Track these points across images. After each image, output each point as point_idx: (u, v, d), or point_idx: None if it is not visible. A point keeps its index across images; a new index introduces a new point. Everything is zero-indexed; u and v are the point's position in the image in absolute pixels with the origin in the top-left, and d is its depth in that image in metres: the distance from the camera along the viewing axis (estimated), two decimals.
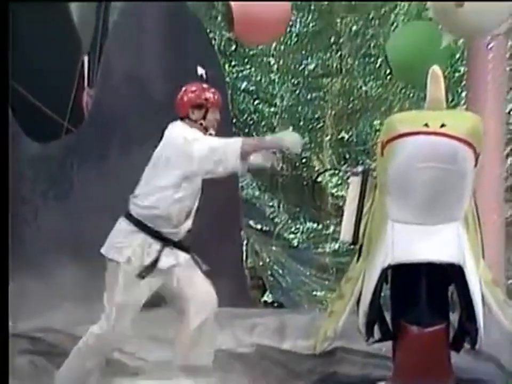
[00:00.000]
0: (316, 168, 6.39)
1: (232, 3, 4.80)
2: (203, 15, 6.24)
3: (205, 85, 3.66)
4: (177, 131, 3.54)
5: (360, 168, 3.61)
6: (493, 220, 4.90)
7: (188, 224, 3.55)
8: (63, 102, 5.74)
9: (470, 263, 3.35)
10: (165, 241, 3.46)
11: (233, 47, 6.34)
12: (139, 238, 3.44)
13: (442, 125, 3.26)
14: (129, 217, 3.50)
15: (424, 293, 3.42)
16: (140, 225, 3.46)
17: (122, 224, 3.52)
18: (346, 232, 3.61)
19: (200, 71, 3.70)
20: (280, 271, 6.13)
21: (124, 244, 3.45)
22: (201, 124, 3.59)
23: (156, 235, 3.45)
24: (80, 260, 4.53)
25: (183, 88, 3.68)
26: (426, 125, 3.27)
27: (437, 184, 3.27)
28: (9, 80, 3.85)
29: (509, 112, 5.79)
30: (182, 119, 3.62)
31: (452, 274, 3.40)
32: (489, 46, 4.87)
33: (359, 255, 3.59)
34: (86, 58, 5.91)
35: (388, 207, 3.40)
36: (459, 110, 3.55)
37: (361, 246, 3.59)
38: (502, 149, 5.18)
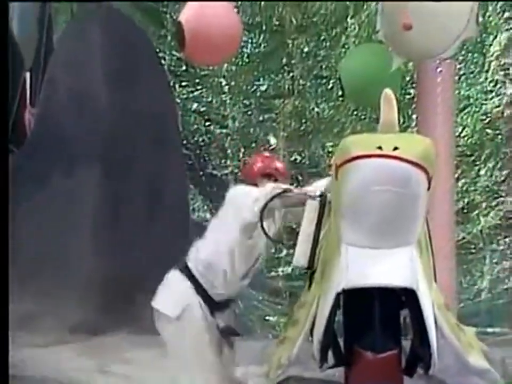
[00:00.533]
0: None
1: (183, 22, 4.78)
2: (152, 34, 6.21)
3: (274, 155, 3.84)
4: (244, 192, 3.66)
5: (318, 192, 3.61)
6: (444, 243, 4.94)
7: (244, 283, 3.62)
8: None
9: (423, 287, 3.34)
10: (214, 303, 3.53)
11: (184, 67, 6.31)
12: (194, 297, 3.49)
13: (395, 148, 3.26)
14: (186, 270, 3.54)
15: (378, 317, 3.42)
16: (194, 282, 3.50)
17: (177, 277, 3.54)
18: (301, 257, 3.57)
19: (273, 141, 3.79)
20: None
21: (180, 300, 3.50)
22: None
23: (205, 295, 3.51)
24: (22, 278, 4.42)
25: (253, 157, 3.84)
26: (379, 147, 3.27)
27: (390, 207, 3.26)
28: (9, 80, 3.79)
29: (458, 135, 5.89)
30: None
31: (405, 298, 3.41)
32: (438, 70, 4.94)
33: (311, 280, 3.58)
34: (28, 76, 5.81)
35: (342, 231, 3.38)
36: (411, 133, 3.55)
37: (313, 271, 3.57)
38: (452, 171, 5.24)
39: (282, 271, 6.11)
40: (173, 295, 3.54)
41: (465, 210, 6.02)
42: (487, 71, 5.99)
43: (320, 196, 3.55)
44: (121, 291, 5.11)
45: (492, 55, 5.98)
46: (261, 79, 6.41)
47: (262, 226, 3.52)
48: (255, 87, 6.43)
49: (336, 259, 3.39)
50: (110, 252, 5.33)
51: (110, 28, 5.55)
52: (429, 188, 3.33)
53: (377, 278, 3.29)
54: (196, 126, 6.39)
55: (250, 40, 6.33)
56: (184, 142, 6.27)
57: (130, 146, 5.59)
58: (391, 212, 3.28)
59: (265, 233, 3.53)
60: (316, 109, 6.36)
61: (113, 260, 5.34)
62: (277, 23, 6.31)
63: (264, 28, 6.33)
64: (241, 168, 3.66)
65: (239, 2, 6.24)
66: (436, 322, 3.35)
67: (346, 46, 6.19)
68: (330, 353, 3.51)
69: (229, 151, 6.41)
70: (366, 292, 3.36)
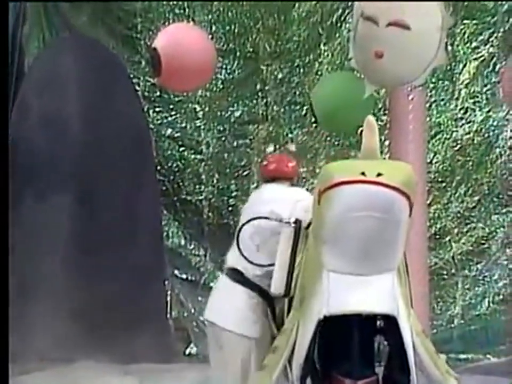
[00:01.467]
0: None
1: (159, 48, 4.84)
2: (126, 60, 6.26)
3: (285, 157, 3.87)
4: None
5: (292, 219, 3.62)
6: (417, 268, 4.99)
7: None
8: None
9: (403, 314, 3.36)
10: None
11: (158, 93, 6.35)
12: (264, 309, 3.50)
13: (379, 174, 3.26)
14: (249, 284, 3.54)
15: (356, 344, 3.42)
16: (259, 291, 3.50)
17: (242, 295, 3.53)
18: (277, 285, 3.58)
19: (292, 147, 3.87)
20: (206, 323, 6.06)
21: (253, 319, 3.49)
22: None
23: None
24: None
25: (268, 157, 3.89)
26: (363, 173, 3.27)
27: (372, 233, 3.27)
28: (9, 80, 3.78)
29: (430, 162, 5.99)
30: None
31: (383, 325, 3.43)
32: (410, 97, 5.04)
33: (289, 307, 3.57)
34: None
35: (323, 257, 3.38)
36: (394, 160, 3.60)
37: (291, 298, 3.58)
38: (424, 198, 5.32)
39: None
40: (243, 312, 3.50)
41: (437, 236, 6.10)
42: (457, 99, 6.12)
43: (295, 222, 3.57)
44: (94, 319, 5.09)
45: (461, 83, 6.11)
46: (235, 105, 6.47)
47: (238, 247, 3.55)
48: (229, 113, 6.48)
49: (316, 285, 3.39)
50: (82, 279, 5.31)
51: (84, 53, 5.59)
52: (410, 214, 3.35)
53: (359, 305, 3.31)
54: (170, 152, 6.41)
55: (224, 66, 6.40)
56: (158, 167, 6.30)
57: (104, 171, 5.60)
58: (374, 238, 3.29)
59: (242, 254, 3.54)
60: (290, 135, 6.44)
61: (85, 287, 5.32)
62: (251, 49, 6.40)
63: (238, 54, 6.41)
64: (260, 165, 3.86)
65: (213, 29, 6.33)
66: (414, 350, 3.36)
67: (319, 73, 6.29)
68: (309, 381, 3.53)
69: (203, 176, 6.44)
70: (345, 319, 3.37)
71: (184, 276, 6.23)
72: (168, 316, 5.90)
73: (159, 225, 5.93)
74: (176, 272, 6.18)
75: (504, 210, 6.08)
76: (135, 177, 5.67)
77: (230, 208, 6.44)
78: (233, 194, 6.45)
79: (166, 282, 5.86)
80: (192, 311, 6.10)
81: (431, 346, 3.52)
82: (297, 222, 3.57)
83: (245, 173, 6.48)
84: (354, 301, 3.31)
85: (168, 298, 5.95)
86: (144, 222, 5.71)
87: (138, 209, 5.74)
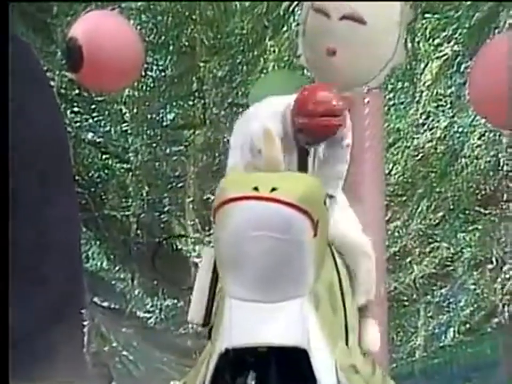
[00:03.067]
0: (177, 235, 6.36)
1: (80, 38, 4.76)
2: (39, 50, 6.15)
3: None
4: None
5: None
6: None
7: None
8: None
9: (320, 345, 3.40)
10: None
11: (76, 91, 6.26)
12: None
13: (273, 189, 3.33)
14: None
15: (273, 377, 3.44)
16: None
17: None
18: (195, 312, 3.61)
19: None
20: (131, 357, 6.03)
21: None
22: None
23: None
24: None
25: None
26: (256, 188, 3.33)
27: (270, 256, 3.32)
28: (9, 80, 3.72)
29: (388, 173, 6.04)
30: None
31: (297, 358, 3.43)
32: (366, 100, 5.07)
33: (210, 338, 3.60)
34: None
35: (224, 282, 3.43)
36: (295, 172, 3.64)
37: (211, 327, 3.59)
38: (382, 214, 5.35)
39: (192, 328, 6.09)
40: None
41: (396, 257, 6.14)
42: (418, 102, 6.19)
43: None
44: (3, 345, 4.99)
45: (423, 85, 6.18)
46: (168, 106, 6.42)
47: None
48: (161, 115, 6.43)
49: (222, 314, 3.44)
50: None
51: None
52: (315, 234, 3.39)
53: (263, 336, 3.35)
54: (91, 160, 6.33)
55: (155, 62, 6.35)
56: (77, 177, 6.20)
57: (12, 182, 5.48)
58: (273, 261, 3.34)
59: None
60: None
61: None
62: (186, 43, 6.37)
63: (171, 48, 6.37)
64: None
65: (142, 18, 6.29)
66: None
67: (264, 71, 6.30)
68: None
69: (130, 188, 6.38)
70: (252, 350, 3.39)
71: (105, 304, 6.15)
72: (85, 350, 5.82)
73: (77, 245, 5.85)
74: (96, 299, 6.10)
75: (470, 228, 6.16)
76: (48, 189, 5.57)
77: (162, 225, 6.39)
78: (166, 209, 6.39)
79: (84, 311, 5.75)
80: (115, 344, 6.03)
81: (362, 382, 3.57)
82: None
83: (179, 185, 6.44)
84: (258, 331, 3.35)
85: (86, 330, 5.87)
86: (59, 241, 5.61)
87: (50, 226, 5.63)
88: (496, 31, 5.96)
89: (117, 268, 6.28)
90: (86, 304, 5.83)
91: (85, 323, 5.87)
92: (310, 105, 3.61)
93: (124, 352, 6.00)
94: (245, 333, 3.36)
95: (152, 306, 6.26)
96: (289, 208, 3.32)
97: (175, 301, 6.23)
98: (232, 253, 3.38)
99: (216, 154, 6.41)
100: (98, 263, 6.25)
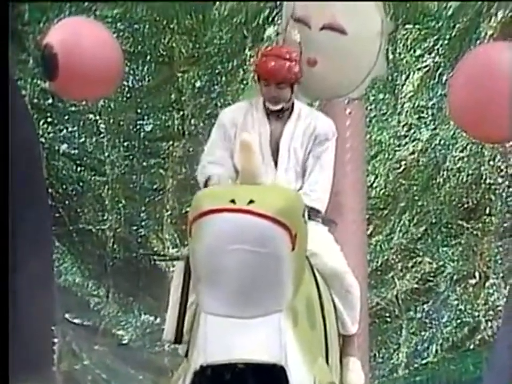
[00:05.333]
0: (155, 249, 6.35)
1: (56, 45, 4.75)
2: (10, 58, 6.13)
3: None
4: None
5: (186, 251, 3.63)
6: None
7: None
8: None
9: (298, 362, 3.40)
10: None
11: (50, 100, 6.25)
12: None
13: (251, 201, 3.33)
14: None
15: None
16: None
17: None
18: (167, 329, 3.60)
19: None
20: (105, 376, 6.01)
21: None
22: None
23: None
24: None
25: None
26: (232, 201, 3.33)
27: (246, 270, 3.32)
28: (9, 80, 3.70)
29: (370, 186, 6.07)
30: None
31: (274, 374, 3.41)
32: (347, 111, 5.10)
33: (186, 355, 3.59)
34: None
35: (200, 297, 3.43)
36: (274, 184, 3.67)
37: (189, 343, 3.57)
38: (364, 227, 5.37)
39: (169, 346, 6.07)
40: None
41: (378, 272, 6.16)
42: (399, 114, 6.23)
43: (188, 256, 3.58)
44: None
45: (404, 96, 6.23)
46: (146, 117, 6.43)
47: None
48: (138, 127, 6.43)
49: (198, 330, 3.43)
50: None
51: None
52: (293, 248, 3.40)
53: (239, 353, 3.34)
54: (65, 172, 6.32)
55: (132, 72, 6.36)
56: (50, 190, 6.18)
57: None
58: (249, 275, 3.34)
59: None
60: None
61: None
62: (164, 52, 6.38)
63: (149, 58, 6.38)
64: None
65: (118, 27, 6.28)
66: None
67: (244, 82, 6.32)
68: None
69: (106, 202, 6.36)
70: (229, 367, 3.39)
71: (78, 321, 6.13)
72: (56, 368, 5.77)
73: (49, 260, 5.82)
74: (67, 316, 6.06)
75: (453, 242, 6.19)
76: (20, 202, 5.54)
77: (139, 240, 6.38)
78: (143, 223, 6.38)
79: (54, 327, 5.71)
80: (87, 362, 6.00)
81: None
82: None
83: (158, 198, 6.43)
84: (234, 348, 3.34)
85: (56, 347, 5.83)
86: (29, 257, 5.59)
87: (22, 241, 5.61)
88: (478, 42, 6.02)
89: (91, 284, 6.26)
90: (57, 321, 5.79)
91: (56, 340, 5.84)
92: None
93: (97, 371, 5.97)
94: (221, 349, 3.35)
95: (127, 323, 6.24)
96: (266, 221, 3.32)
97: (151, 317, 6.21)
98: (207, 267, 3.37)
99: (195, 167, 6.37)
100: (71, 279, 6.23)
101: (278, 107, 3.89)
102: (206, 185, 3.87)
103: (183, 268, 3.59)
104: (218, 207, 3.32)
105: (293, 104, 3.97)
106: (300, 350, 3.41)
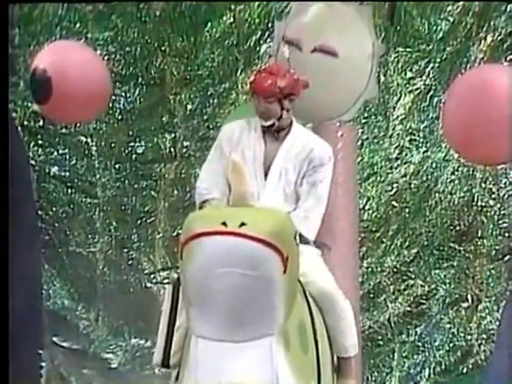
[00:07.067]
0: (146, 272, 6.34)
1: (48, 69, 4.77)
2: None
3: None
4: None
5: (175, 274, 3.63)
6: None
7: None
8: None
9: None
10: None
11: (40, 122, 6.26)
12: None
13: (242, 224, 3.34)
14: None
15: None
16: None
17: None
18: (156, 352, 3.60)
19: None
20: None
21: None
22: None
23: None
24: None
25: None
26: (224, 223, 3.34)
27: (237, 293, 3.33)
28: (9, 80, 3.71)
29: (362, 208, 6.08)
30: None
31: None
32: (339, 133, 5.12)
33: (177, 379, 3.59)
34: None
35: (191, 320, 3.43)
36: (265, 207, 3.68)
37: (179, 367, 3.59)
38: (356, 250, 5.38)
39: (160, 369, 6.04)
40: None
41: (370, 295, 6.15)
42: (391, 136, 6.25)
43: (178, 278, 3.57)
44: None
45: (396, 119, 6.25)
46: (137, 140, 6.44)
47: None
48: (129, 149, 6.45)
49: (188, 354, 3.44)
50: None
51: None
52: (285, 271, 3.39)
53: (229, 377, 3.34)
54: (55, 194, 6.32)
55: (123, 94, 6.38)
56: (40, 212, 6.19)
57: None
58: (241, 299, 3.35)
59: None
60: None
61: None
62: (156, 75, 6.40)
63: (140, 80, 6.40)
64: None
65: (109, 49, 6.30)
66: None
67: (236, 104, 6.34)
68: None
69: (97, 224, 6.36)
70: None
71: (66, 344, 6.12)
72: None
73: (38, 282, 5.80)
74: (55, 339, 6.05)
75: (445, 265, 6.19)
76: (9, 224, 5.53)
77: (130, 263, 6.37)
78: (135, 246, 6.38)
79: (41, 351, 5.69)
80: None
81: None
82: (178, 279, 3.57)
83: (149, 221, 6.43)
84: (224, 372, 3.34)
85: (44, 371, 5.81)
86: (18, 280, 5.56)
87: (11, 263, 5.58)
88: (468, 65, 6.06)
89: (80, 307, 6.24)
90: (45, 344, 5.76)
91: (44, 364, 5.81)
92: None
93: None
94: (211, 373, 3.36)
95: (116, 346, 6.22)
96: (258, 244, 3.32)
97: (142, 341, 6.19)
98: (198, 290, 3.38)
99: (187, 189, 6.41)
100: (60, 302, 6.21)
101: (269, 123, 3.92)
102: (201, 207, 3.87)
103: (171, 291, 3.58)
104: (210, 230, 3.33)
105: (291, 124, 3.97)
106: (292, 374, 3.41)
